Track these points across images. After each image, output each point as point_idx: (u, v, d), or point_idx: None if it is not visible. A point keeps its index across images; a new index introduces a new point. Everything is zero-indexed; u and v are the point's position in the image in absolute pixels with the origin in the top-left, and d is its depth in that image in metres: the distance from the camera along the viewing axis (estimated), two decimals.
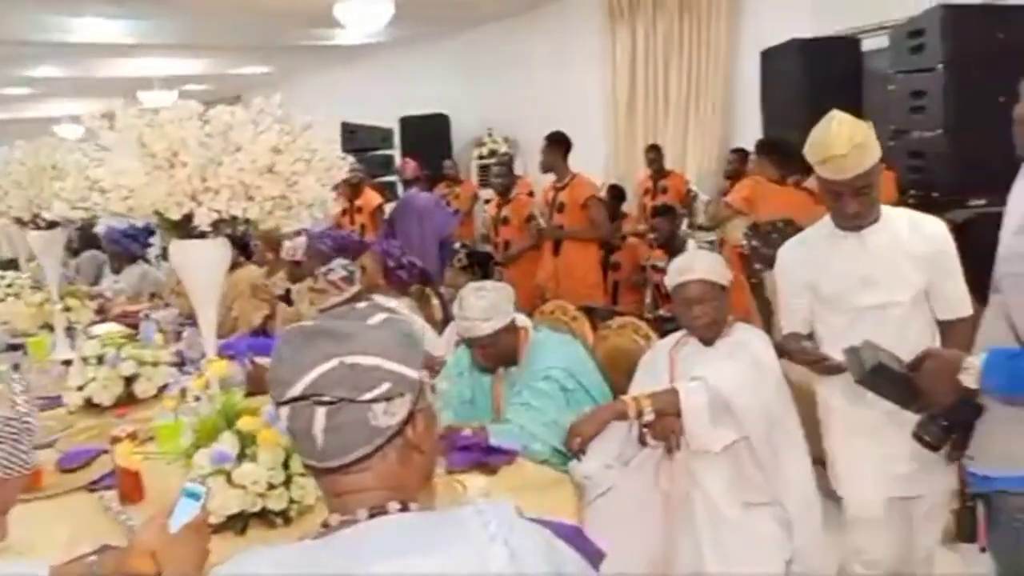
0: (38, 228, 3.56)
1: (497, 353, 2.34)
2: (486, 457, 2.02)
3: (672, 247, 5.04)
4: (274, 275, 4.64)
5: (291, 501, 1.81)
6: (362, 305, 1.05)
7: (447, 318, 3.32)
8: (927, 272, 2.08)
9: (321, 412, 0.93)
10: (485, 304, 2.27)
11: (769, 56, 5.26)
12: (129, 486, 1.98)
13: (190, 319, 4.26)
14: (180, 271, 2.21)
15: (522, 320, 2.42)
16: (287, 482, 1.81)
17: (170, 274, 5.71)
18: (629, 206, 6.70)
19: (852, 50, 5.18)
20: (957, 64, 3.66)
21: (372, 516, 0.95)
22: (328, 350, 0.94)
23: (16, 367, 2.75)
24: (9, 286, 5.50)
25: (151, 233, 6.00)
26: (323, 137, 2.19)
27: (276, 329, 4.07)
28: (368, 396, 0.94)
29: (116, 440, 2.02)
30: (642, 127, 7.10)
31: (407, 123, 8.51)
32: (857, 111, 4.85)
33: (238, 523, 1.78)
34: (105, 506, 1.97)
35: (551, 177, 5.18)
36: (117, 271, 5.93)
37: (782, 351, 2.29)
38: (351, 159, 2.33)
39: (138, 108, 2.03)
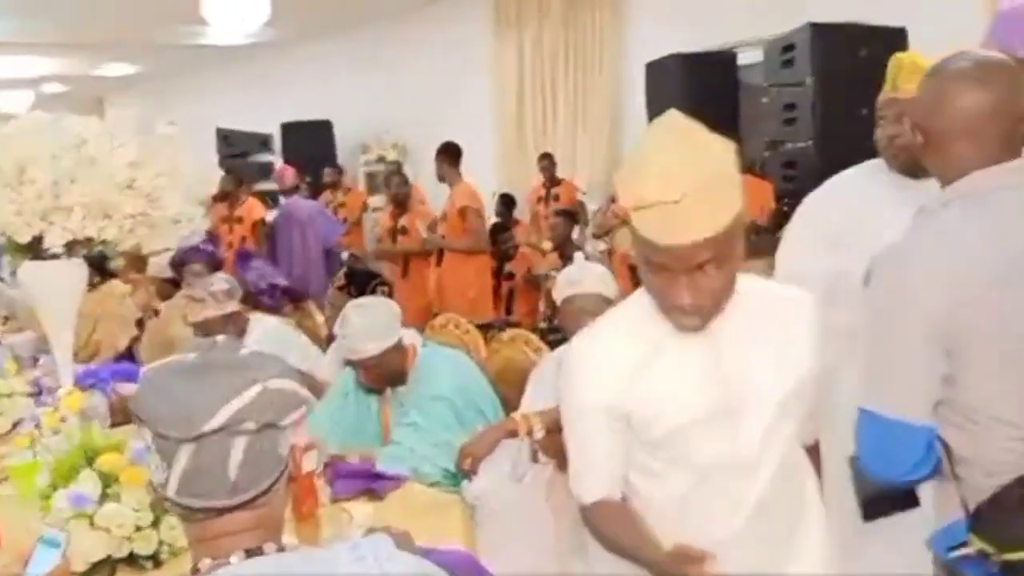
0: None
1: (383, 373, 2.26)
2: (372, 483, 1.96)
3: (566, 252, 5.08)
4: (137, 293, 4.36)
5: (160, 543, 1.68)
6: (221, 339, 1.01)
7: (331, 336, 3.20)
8: (810, 384, 1.34)
9: (241, 442, 0.90)
10: (368, 322, 2.19)
11: (652, 69, 5.41)
12: None
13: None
14: (31, 296, 2.03)
15: (409, 337, 2.35)
16: (155, 523, 1.68)
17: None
18: (521, 214, 6.73)
19: (728, 64, 5.40)
20: (824, 79, 3.86)
21: (248, 558, 0.93)
22: (246, 376, 0.91)
23: None
24: None
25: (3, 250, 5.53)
26: (190, 148, 2.06)
27: (143, 351, 3.83)
28: (287, 421, 0.94)
29: None
30: (532, 135, 7.15)
31: (289, 129, 8.23)
32: (734, 122, 5.12)
33: (104, 569, 1.65)
34: None
35: (443, 186, 5.13)
36: None
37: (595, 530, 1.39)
38: (221, 172, 2.21)
39: None
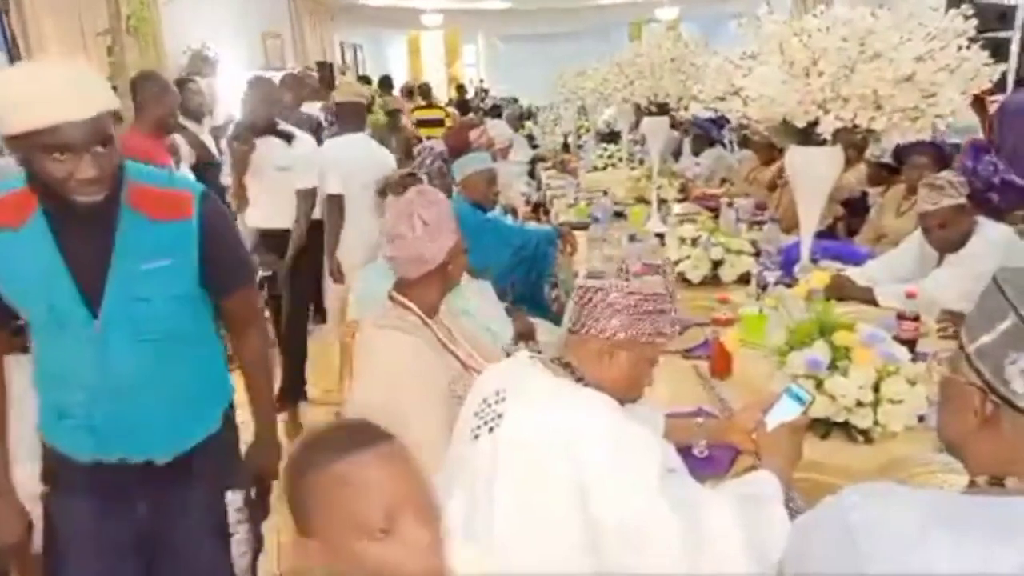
0: (650, 114, 4.01)
1: None
2: None
3: None
4: (845, 174, 4.45)
5: (875, 422, 1.81)
6: None
7: None
8: None
9: None
10: None
11: None
12: (722, 363, 2.21)
13: (762, 210, 4.42)
14: (793, 175, 2.27)
15: None
16: (875, 403, 1.81)
17: (743, 161, 5.94)
18: None
19: None
20: None
21: None
22: None
23: (632, 238, 3.19)
24: (610, 156, 6.44)
25: (728, 121, 6.24)
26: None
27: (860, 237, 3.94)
28: None
29: (720, 323, 2.25)
30: None
31: None
32: None
33: (821, 428, 1.85)
34: (699, 375, 2.24)
35: None
36: (696, 153, 6.39)
37: None
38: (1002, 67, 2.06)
39: (779, 16, 2.09)
